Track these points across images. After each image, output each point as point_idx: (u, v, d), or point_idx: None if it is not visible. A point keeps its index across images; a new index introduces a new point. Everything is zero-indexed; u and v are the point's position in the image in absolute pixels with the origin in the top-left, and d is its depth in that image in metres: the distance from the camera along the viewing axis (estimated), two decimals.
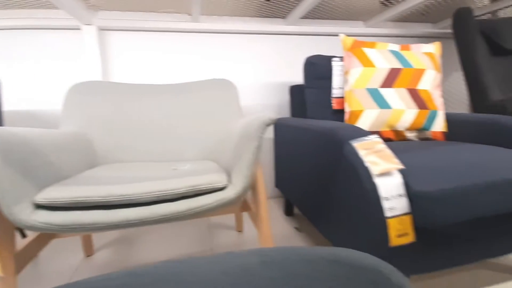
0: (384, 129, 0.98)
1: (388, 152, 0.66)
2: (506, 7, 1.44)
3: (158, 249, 1.05)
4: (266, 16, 1.51)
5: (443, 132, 1.01)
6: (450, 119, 1.04)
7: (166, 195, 0.57)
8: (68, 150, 0.77)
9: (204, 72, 1.45)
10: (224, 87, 1.09)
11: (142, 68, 1.38)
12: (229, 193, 0.60)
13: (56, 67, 1.30)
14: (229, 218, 1.32)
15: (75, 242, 1.12)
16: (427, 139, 1.02)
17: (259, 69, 1.52)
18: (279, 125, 1.26)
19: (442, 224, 0.61)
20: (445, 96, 1.83)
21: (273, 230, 1.19)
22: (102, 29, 1.32)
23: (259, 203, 0.68)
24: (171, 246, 1.06)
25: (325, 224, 0.83)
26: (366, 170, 0.63)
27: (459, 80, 1.82)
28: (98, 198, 0.54)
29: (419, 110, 0.97)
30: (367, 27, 1.59)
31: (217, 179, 0.61)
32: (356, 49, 1.02)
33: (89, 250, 1.03)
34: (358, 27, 1.59)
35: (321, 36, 1.58)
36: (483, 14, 1.56)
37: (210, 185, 0.59)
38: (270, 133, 1.56)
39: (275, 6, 1.38)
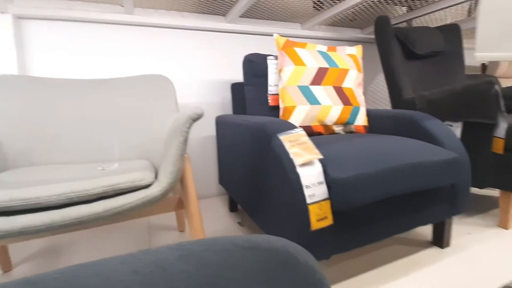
0: (314, 123, 1.05)
1: (310, 144, 0.71)
2: (419, 16, 1.67)
3: (90, 258, 0.97)
4: (206, 13, 1.50)
5: (365, 126, 1.13)
6: (371, 114, 1.17)
7: (79, 197, 0.53)
8: None
9: (140, 69, 1.38)
10: (159, 83, 1.06)
11: (69, 62, 1.25)
12: (153, 191, 0.58)
13: None
14: (171, 218, 1.28)
15: None
16: (351, 132, 1.12)
17: (201, 66, 1.50)
18: (220, 123, 1.26)
19: (356, 205, 0.68)
20: (372, 94, 2.04)
21: (216, 226, 1.19)
22: (19, 17, 1.16)
23: (189, 198, 0.68)
24: (106, 253, 0.99)
25: (260, 216, 0.86)
26: (290, 161, 0.67)
27: (383, 80, 2.04)
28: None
29: (344, 106, 1.07)
30: (304, 29, 1.69)
31: (140, 176, 0.59)
32: (288, 48, 1.08)
33: (6, 265, 0.90)
34: (296, 29, 1.67)
35: (262, 36, 1.63)
36: (400, 22, 1.78)
37: (132, 183, 0.57)
38: (213, 130, 1.56)
39: (214, 2, 1.37)
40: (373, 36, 1.87)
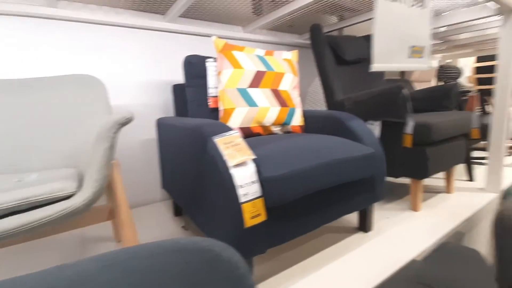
0: (253, 125, 1.10)
1: (244, 145, 0.75)
2: (349, 25, 1.85)
3: (7, 276, 0.85)
4: (143, 10, 1.43)
5: (301, 126, 1.22)
6: (307, 115, 1.26)
7: None
8: None
9: (67, 69, 1.26)
10: (87, 84, 0.98)
11: None
12: (75, 201, 0.55)
13: None
14: (107, 228, 1.20)
15: None
16: (288, 132, 1.20)
17: (140, 66, 1.43)
18: (161, 125, 1.23)
19: (288, 201, 0.74)
20: (312, 95, 2.19)
21: (161, 232, 1.16)
22: None
23: (119, 206, 0.65)
24: (30, 271, 0.88)
25: (200, 218, 0.87)
26: (224, 163, 0.70)
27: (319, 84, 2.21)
28: None
29: (281, 107, 1.14)
30: (245, 32, 1.74)
31: (60, 186, 0.55)
32: (226, 51, 1.10)
33: None
34: (238, 32, 1.71)
35: (205, 37, 1.62)
36: (332, 30, 1.95)
37: (49, 195, 0.53)
38: (154, 133, 1.50)
39: (152, 0, 1.32)
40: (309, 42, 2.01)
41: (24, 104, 0.92)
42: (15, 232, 0.49)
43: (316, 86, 2.19)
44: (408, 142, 1.21)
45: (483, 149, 2.45)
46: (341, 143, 0.94)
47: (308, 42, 2.01)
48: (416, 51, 1.01)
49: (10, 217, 0.50)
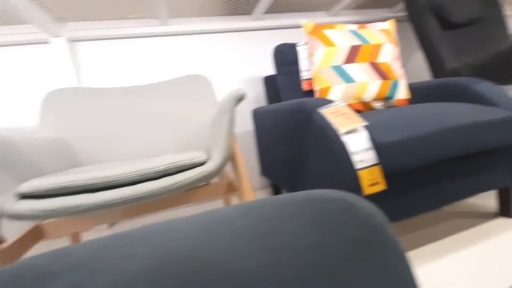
0: (352, 101, 1.04)
1: (353, 113, 0.72)
2: None
3: None
4: (232, 14, 1.57)
5: (407, 99, 1.09)
6: (413, 87, 1.13)
7: (148, 174, 0.59)
8: (48, 152, 0.78)
9: (179, 73, 1.48)
10: (197, 82, 1.13)
11: (114, 74, 1.40)
12: (209, 166, 0.63)
13: (28, 83, 1.29)
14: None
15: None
16: (393, 107, 1.09)
17: (233, 64, 1.57)
18: (257, 113, 1.31)
19: (408, 169, 0.67)
20: (408, 73, 1.94)
21: None
22: (71, 40, 1.33)
23: (240, 175, 0.72)
24: None
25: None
26: (334, 131, 0.68)
27: (419, 59, 1.94)
28: (82, 182, 0.56)
29: (382, 80, 1.05)
30: (329, 16, 1.68)
31: (196, 154, 0.64)
32: (317, 31, 1.09)
33: None
34: (321, 17, 1.68)
35: (287, 29, 1.66)
36: None
37: (190, 161, 0.62)
38: (249, 125, 1.61)
39: (239, 3, 1.44)
40: (402, 14, 1.80)
41: (151, 103, 1.12)
42: (169, 189, 0.60)
43: (414, 63, 1.94)
44: None
45: None
46: (468, 108, 0.79)
47: (400, 14, 1.80)
48: None
49: (163, 178, 0.61)
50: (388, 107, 1.09)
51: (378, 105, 1.07)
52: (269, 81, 1.42)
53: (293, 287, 0.28)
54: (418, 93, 1.10)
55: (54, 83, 1.33)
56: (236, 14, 1.57)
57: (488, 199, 1.02)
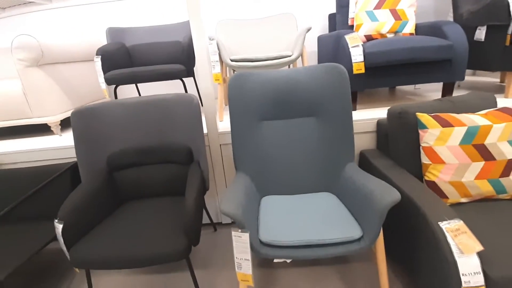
0: (373, 33, 1.83)
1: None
2: None
3: None
4: None
5: (410, 33, 1.81)
6: (419, 25, 1.81)
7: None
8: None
9: (275, 10, 2.39)
10: (288, 17, 2.05)
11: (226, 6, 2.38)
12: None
13: None
14: None
15: None
16: (397, 37, 1.83)
17: (311, 4, 2.36)
18: (320, 40, 2.17)
19: (380, 64, 1.54)
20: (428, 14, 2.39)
21: None
22: (218, 22, 2.33)
23: (305, 62, 1.69)
24: None
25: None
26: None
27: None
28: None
29: (395, 21, 1.78)
30: None
31: (287, 52, 1.64)
32: None
33: None
34: None
35: None
36: None
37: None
38: (315, 47, 2.47)
39: None
40: None
41: (263, 26, 2.11)
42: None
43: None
44: (508, 41, 1.56)
45: None
46: (427, 38, 1.54)
47: None
48: None
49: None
50: (395, 37, 1.84)
51: (390, 35, 1.83)
52: (331, 17, 2.21)
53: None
54: (421, 30, 1.80)
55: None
56: None
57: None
